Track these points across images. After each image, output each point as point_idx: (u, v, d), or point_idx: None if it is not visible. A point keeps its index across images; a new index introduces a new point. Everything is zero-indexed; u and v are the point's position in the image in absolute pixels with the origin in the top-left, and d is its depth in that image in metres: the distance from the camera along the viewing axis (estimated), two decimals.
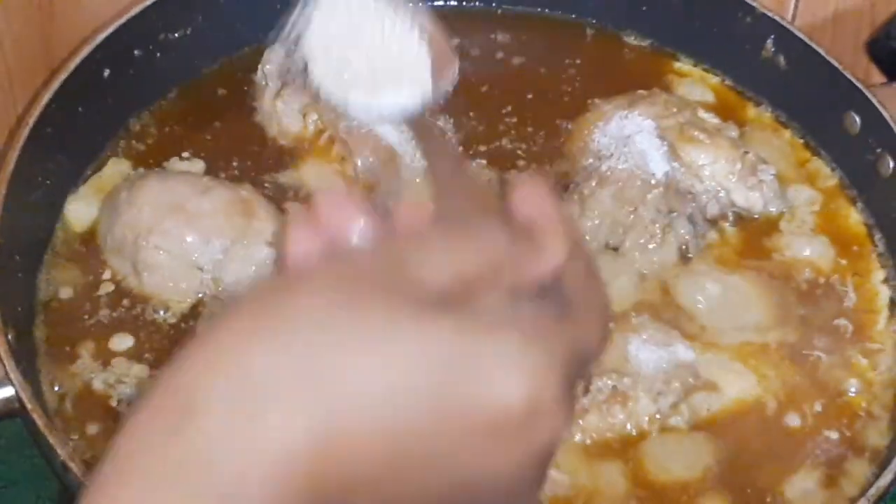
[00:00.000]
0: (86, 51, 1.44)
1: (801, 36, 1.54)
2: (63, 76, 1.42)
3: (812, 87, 1.54)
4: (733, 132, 1.50)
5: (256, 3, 1.60)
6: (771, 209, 1.48)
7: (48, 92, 1.40)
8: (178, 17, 1.54)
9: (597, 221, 1.42)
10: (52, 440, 1.19)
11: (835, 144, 1.54)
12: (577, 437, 1.29)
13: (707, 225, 1.46)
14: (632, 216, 1.42)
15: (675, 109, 1.49)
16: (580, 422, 1.29)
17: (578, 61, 1.63)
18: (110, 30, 1.47)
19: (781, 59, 1.57)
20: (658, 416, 1.30)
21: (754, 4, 1.57)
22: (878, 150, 1.47)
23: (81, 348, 1.34)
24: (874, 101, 1.47)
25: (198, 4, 1.56)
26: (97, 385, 1.31)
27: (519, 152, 1.53)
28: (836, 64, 1.50)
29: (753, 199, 1.47)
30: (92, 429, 1.28)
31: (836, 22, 1.73)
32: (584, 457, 1.28)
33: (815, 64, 1.52)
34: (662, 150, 1.45)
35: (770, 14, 1.57)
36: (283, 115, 1.51)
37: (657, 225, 1.42)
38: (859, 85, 1.48)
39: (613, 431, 1.29)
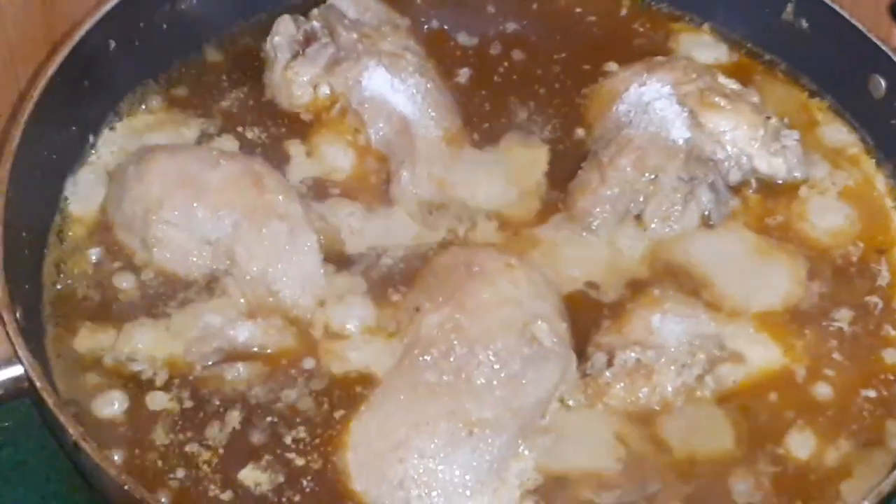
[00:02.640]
0: (90, 23, 1.42)
1: None
2: (68, 49, 1.39)
3: (835, 50, 1.51)
4: (755, 97, 1.47)
5: None
6: (795, 174, 1.45)
7: (53, 65, 1.37)
8: None
9: (616, 190, 1.39)
10: (62, 419, 1.16)
11: (859, 108, 1.51)
12: (602, 411, 1.26)
13: (729, 192, 1.43)
14: (652, 185, 1.39)
15: (694, 75, 1.46)
16: (604, 395, 1.26)
17: (594, 23, 1.60)
18: (115, 1, 1.44)
19: (803, 22, 1.54)
20: (683, 388, 1.27)
21: None
22: None
23: (91, 326, 1.31)
24: None
25: None
26: (108, 362, 1.28)
27: (536, 120, 1.50)
28: (860, 27, 1.47)
29: (777, 165, 1.44)
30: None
31: None
32: (610, 430, 1.26)
33: (839, 27, 1.49)
34: (683, 116, 1.42)
35: None
36: (293, 87, 1.48)
37: (678, 193, 1.39)
38: (885, 48, 1.45)
39: (638, 405, 1.27)
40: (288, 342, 1.31)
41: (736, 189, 1.43)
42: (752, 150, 1.43)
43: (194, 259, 1.34)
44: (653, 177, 1.39)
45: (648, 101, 1.44)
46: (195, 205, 1.33)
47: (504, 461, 1.22)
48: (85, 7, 1.48)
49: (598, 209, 1.39)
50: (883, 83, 1.46)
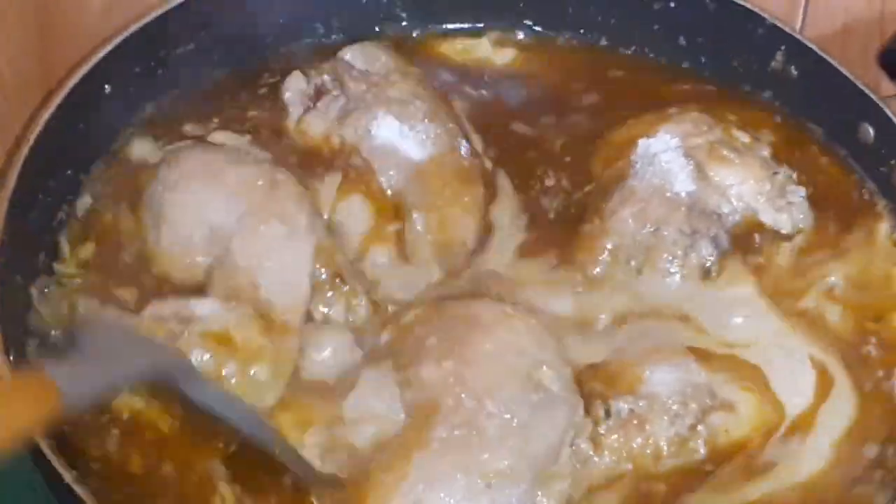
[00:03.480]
0: (86, 67, 1.41)
1: (812, 46, 1.53)
2: (64, 93, 1.38)
3: (824, 97, 1.53)
4: (764, 151, 1.47)
5: (258, 20, 1.58)
6: (800, 227, 1.45)
7: (49, 109, 1.37)
8: (181, 34, 1.51)
9: (616, 241, 1.39)
10: (55, 463, 1.15)
11: (850, 154, 1.52)
12: (598, 463, 1.27)
13: (731, 245, 1.42)
14: (653, 237, 1.40)
15: (705, 128, 1.46)
16: (599, 447, 1.27)
17: (598, 82, 1.61)
18: (110, 46, 1.44)
19: (793, 70, 1.55)
20: (676, 438, 1.28)
21: (764, 15, 1.55)
22: (892, 162, 1.46)
23: None
24: (888, 112, 1.45)
25: (200, 21, 1.52)
26: None
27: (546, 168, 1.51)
28: (848, 75, 1.49)
29: (781, 221, 1.44)
30: (95, 450, 1.25)
31: (845, 34, 1.72)
32: (607, 485, 1.26)
33: (827, 75, 1.51)
34: (688, 169, 1.42)
35: (780, 25, 1.55)
36: (306, 140, 1.49)
37: (678, 247, 1.39)
38: (873, 96, 1.47)
39: (633, 455, 1.27)
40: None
41: (738, 240, 1.43)
42: (758, 204, 1.43)
43: (196, 247, 1.34)
44: (654, 229, 1.39)
45: (655, 153, 1.44)
46: (211, 190, 1.35)
47: None
48: (81, 51, 1.48)
49: (598, 259, 1.39)
50: (871, 131, 1.48)
